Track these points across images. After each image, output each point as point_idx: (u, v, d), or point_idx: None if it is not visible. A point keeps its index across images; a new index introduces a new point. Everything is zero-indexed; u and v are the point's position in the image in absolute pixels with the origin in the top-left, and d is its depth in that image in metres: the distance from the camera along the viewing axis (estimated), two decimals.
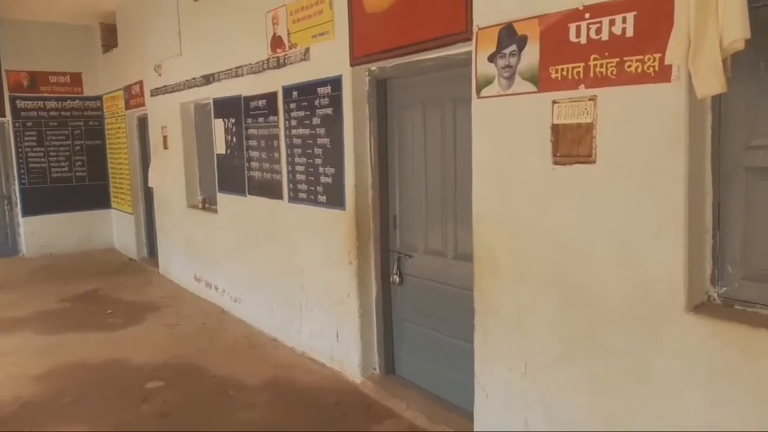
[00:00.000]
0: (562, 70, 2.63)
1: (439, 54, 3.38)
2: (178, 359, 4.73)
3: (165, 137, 7.29)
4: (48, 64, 9.24)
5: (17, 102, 9.03)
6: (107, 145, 9.70)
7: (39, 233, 9.24)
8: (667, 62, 2.19)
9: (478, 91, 3.05)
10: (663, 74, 2.25)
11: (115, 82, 8.94)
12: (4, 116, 8.96)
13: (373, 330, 4.18)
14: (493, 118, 3.01)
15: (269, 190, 5.06)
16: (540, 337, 2.82)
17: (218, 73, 5.73)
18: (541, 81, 2.73)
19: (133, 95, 8.30)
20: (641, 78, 2.33)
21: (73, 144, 9.54)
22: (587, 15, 2.51)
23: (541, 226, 2.79)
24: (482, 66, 3.01)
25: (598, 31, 2.47)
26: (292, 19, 4.53)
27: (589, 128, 2.56)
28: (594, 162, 2.54)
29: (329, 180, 4.30)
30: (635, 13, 2.34)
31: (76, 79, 9.52)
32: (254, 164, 5.29)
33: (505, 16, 2.85)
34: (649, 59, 2.30)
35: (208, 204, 6.56)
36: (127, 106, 8.59)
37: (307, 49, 4.39)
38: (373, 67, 3.91)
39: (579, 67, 2.56)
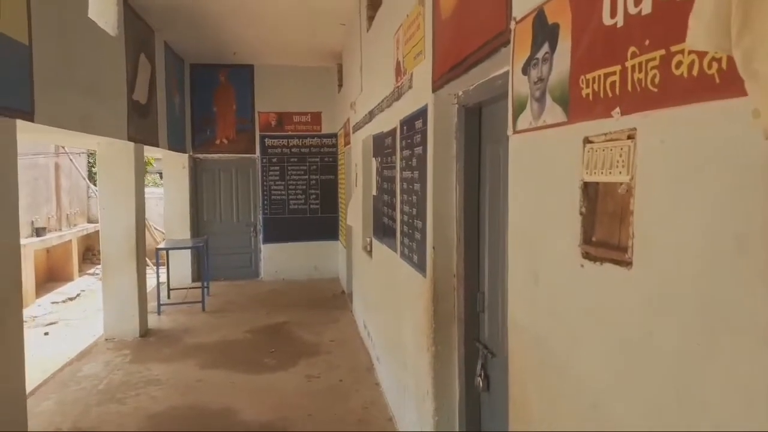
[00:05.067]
0: (594, 81, 1.39)
1: (504, 69, 2.28)
2: (281, 422, 4.32)
3: (356, 175, 7.12)
4: (293, 104, 10.04)
5: (266, 140, 10.01)
6: (338, 180, 10.10)
7: (275, 259, 10.04)
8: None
9: (514, 122, 1.90)
10: (734, 80, 0.93)
11: (340, 120, 9.24)
12: (255, 153, 10.00)
13: None
14: (524, 165, 1.84)
15: (390, 240, 4.34)
16: None
17: (375, 108, 5.25)
18: (571, 103, 1.51)
19: (346, 132, 8.41)
20: (697, 89, 1.03)
21: (310, 178, 10.18)
22: None
23: (569, 357, 1.54)
24: (518, 82, 1.87)
25: None
26: (404, 39, 3.78)
27: (627, 194, 1.28)
28: (630, 264, 1.25)
29: (419, 236, 3.40)
30: None
31: (316, 117, 10.16)
32: (385, 209, 4.63)
33: None
34: None
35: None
36: (345, 143, 8.75)
37: (412, 75, 3.58)
38: (460, 91, 2.92)
39: (614, 73, 1.30)
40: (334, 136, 10.14)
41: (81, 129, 4.88)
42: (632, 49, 1.23)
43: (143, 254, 6.81)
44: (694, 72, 1.03)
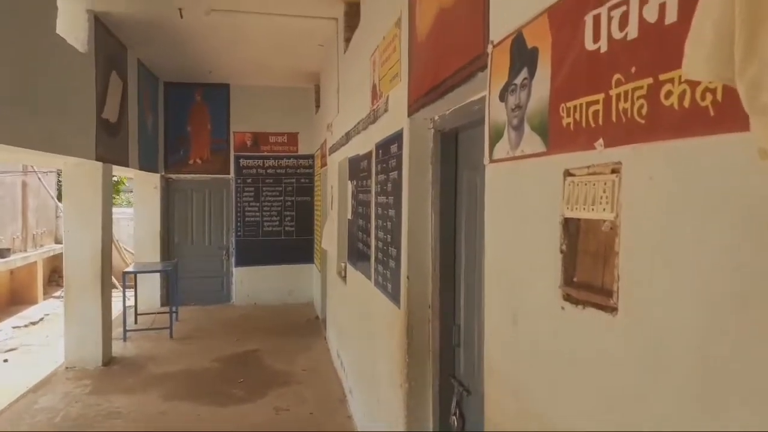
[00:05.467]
0: (575, 109, 1.29)
1: (480, 94, 2.19)
2: None
3: (332, 197, 6.99)
4: (269, 125, 9.88)
5: (240, 160, 9.82)
6: (314, 202, 9.94)
7: (247, 283, 9.79)
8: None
9: (491, 151, 1.80)
10: (731, 113, 0.83)
11: (318, 141, 9.13)
12: (229, 174, 9.81)
13: None
14: (501, 197, 1.74)
15: (365, 266, 4.21)
16: None
17: (351, 130, 5.15)
18: (551, 133, 1.41)
19: (323, 154, 8.30)
20: (689, 122, 0.93)
21: (285, 200, 10.00)
22: None
23: (549, 406, 1.42)
24: (495, 108, 1.77)
25: (623, 21, 1.12)
26: (380, 61, 3.70)
27: (611, 233, 1.18)
28: (615, 310, 1.14)
29: (393, 264, 3.27)
30: None
31: (293, 138, 10.02)
32: (360, 234, 4.50)
33: (518, 19, 1.60)
34: None
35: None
36: (321, 164, 8.63)
37: (387, 98, 3.49)
38: (436, 116, 2.83)
39: (597, 102, 1.21)
40: (311, 157, 10.01)
41: (44, 148, 4.68)
42: (617, 76, 1.13)
43: (109, 279, 6.57)
44: (686, 103, 0.94)
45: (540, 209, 1.46)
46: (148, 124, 8.54)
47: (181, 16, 6.00)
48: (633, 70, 1.08)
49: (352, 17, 5.45)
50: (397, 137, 3.18)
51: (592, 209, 1.22)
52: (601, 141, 1.19)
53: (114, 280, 10.03)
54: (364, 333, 4.25)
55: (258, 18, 6.30)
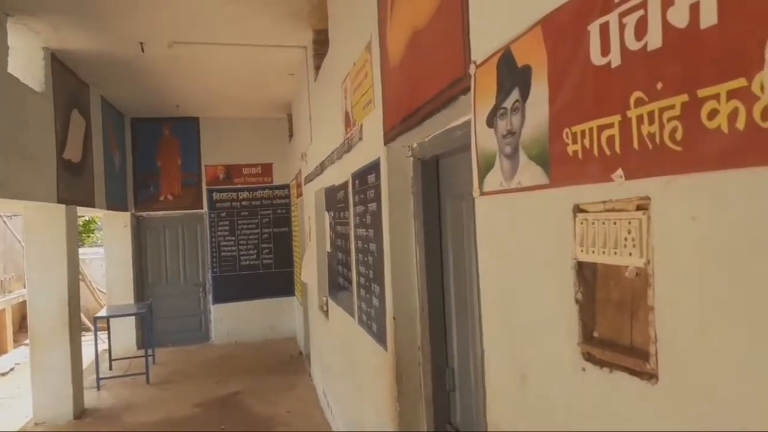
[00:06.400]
0: (583, 135, 1.10)
1: (463, 119, 2.00)
2: None
3: (310, 229, 6.76)
4: (242, 156, 9.63)
5: (213, 194, 9.54)
6: (292, 232, 9.67)
7: (226, 320, 9.44)
8: None
9: (480, 182, 1.60)
10: None
11: (293, 170, 8.90)
12: (202, 208, 9.51)
13: None
14: (496, 234, 1.53)
15: (347, 303, 3.97)
16: None
17: (325, 160, 4.94)
18: (552, 162, 1.22)
19: (298, 183, 8.08)
20: (747, 148, 0.74)
21: (262, 232, 9.72)
22: None
23: None
24: (482, 134, 1.57)
25: (641, 28, 0.93)
26: (352, 88, 3.51)
27: (641, 282, 0.98)
28: (653, 377, 0.93)
29: (377, 302, 3.05)
30: None
31: (267, 169, 9.78)
32: (340, 268, 4.27)
33: (504, 35, 1.42)
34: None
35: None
36: (298, 194, 8.40)
37: (362, 126, 3.30)
38: (415, 143, 2.64)
39: (611, 125, 1.01)
40: (287, 187, 9.76)
41: None
42: (637, 94, 0.94)
43: (78, 326, 6.21)
44: (740, 124, 0.74)
45: (545, 250, 1.26)
46: (115, 162, 8.25)
47: (143, 51, 5.77)
48: (659, 86, 0.89)
49: (321, 45, 5.28)
50: (373, 167, 2.98)
51: (615, 253, 1.02)
52: (620, 172, 0.99)
53: (87, 321, 9.63)
54: (350, 373, 4.00)
55: (223, 49, 6.10)
